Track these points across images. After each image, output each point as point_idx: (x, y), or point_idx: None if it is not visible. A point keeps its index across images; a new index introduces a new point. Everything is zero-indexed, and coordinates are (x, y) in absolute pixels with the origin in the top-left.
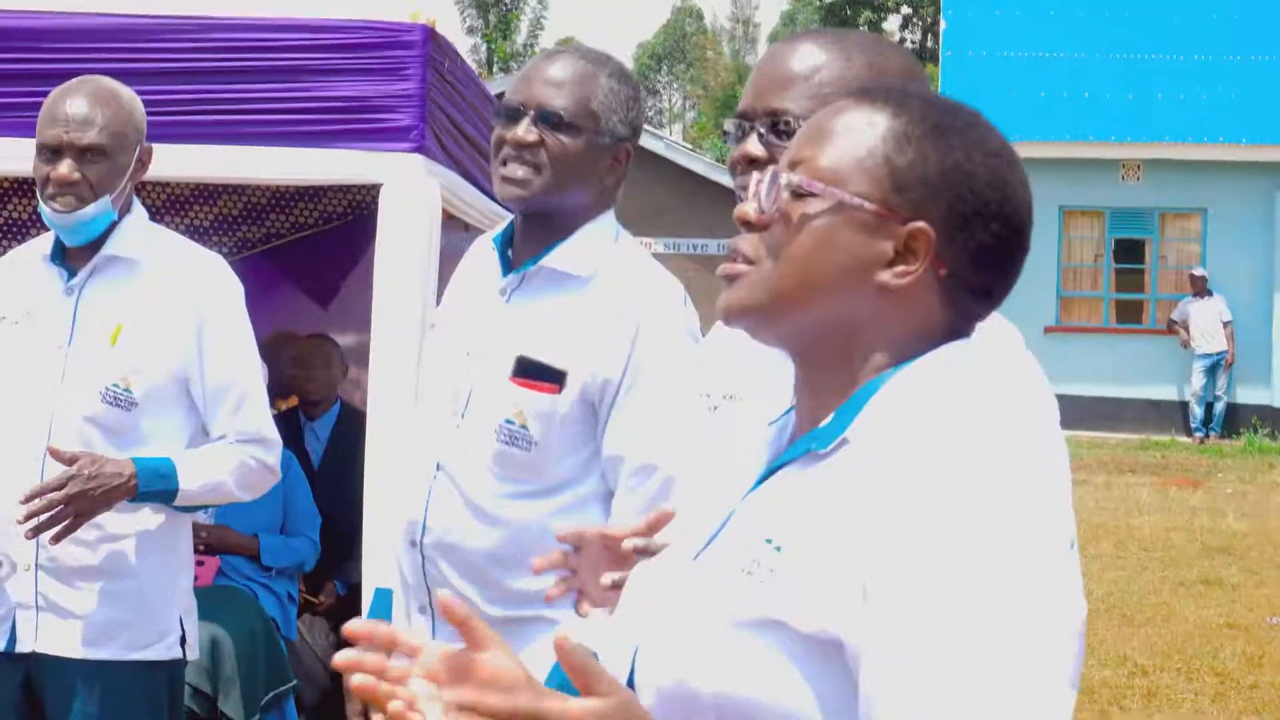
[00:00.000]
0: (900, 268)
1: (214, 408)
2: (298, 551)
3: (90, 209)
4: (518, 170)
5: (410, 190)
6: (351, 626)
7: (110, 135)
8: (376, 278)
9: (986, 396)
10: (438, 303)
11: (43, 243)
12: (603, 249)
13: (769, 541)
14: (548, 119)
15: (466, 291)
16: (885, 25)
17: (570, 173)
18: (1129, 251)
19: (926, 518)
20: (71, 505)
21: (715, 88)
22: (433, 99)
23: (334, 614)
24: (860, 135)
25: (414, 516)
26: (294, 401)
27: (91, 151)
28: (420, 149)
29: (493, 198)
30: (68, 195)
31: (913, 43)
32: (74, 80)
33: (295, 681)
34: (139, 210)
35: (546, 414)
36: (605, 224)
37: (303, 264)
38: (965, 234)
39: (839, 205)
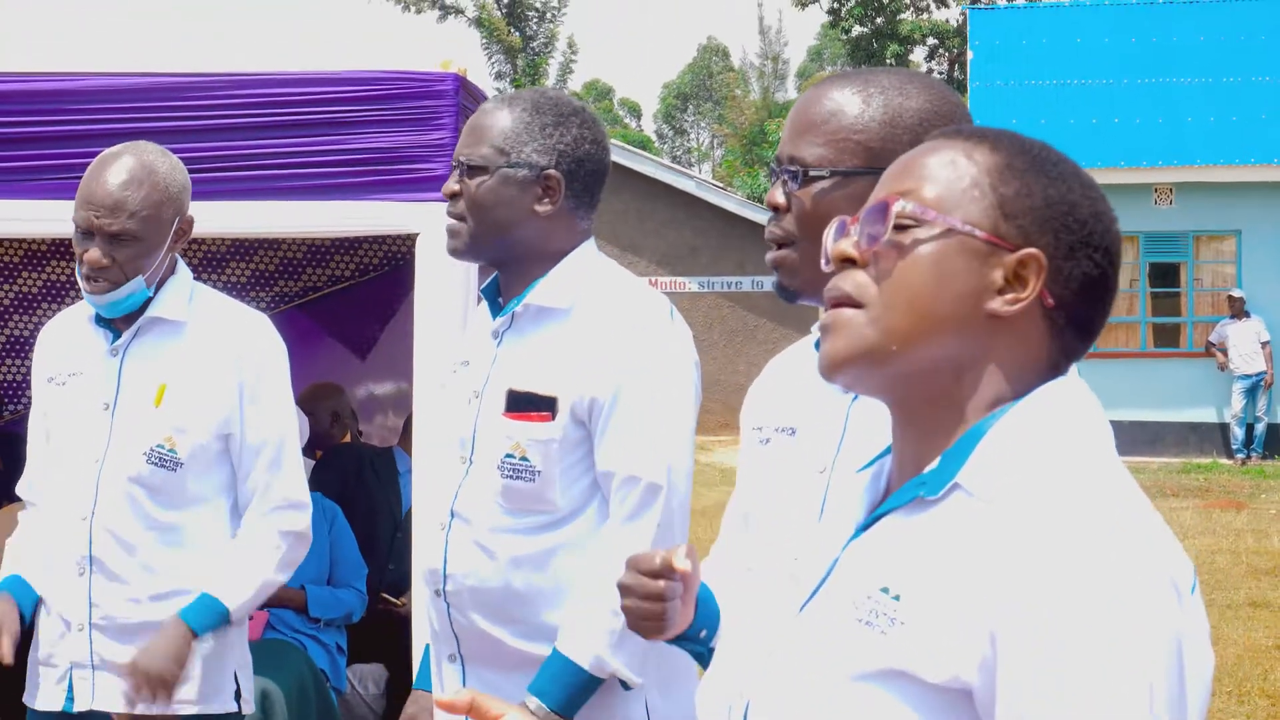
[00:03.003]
0: (1011, 295)
1: (248, 465)
2: (345, 603)
3: (122, 290)
4: (448, 224)
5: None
6: (446, 698)
7: (141, 221)
8: (416, 327)
9: (1097, 440)
10: None
11: (88, 305)
12: (581, 279)
13: (885, 590)
14: (459, 167)
15: (468, 345)
16: (911, 57)
17: (491, 212)
18: (1164, 275)
19: (1059, 567)
20: (159, 690)
21: (743, 125)
22: None
23: (390, 655)
24: (962, 167)
25: (434, 565)
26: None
27: (121, 236)
28: None
29: None
30: (99, 280)
31: (940, 74)
32: (114, 151)
33: None
34: (183, 272)
35: (543, 442)
36: (583, 254)
37: (340, 316)
38: (1071, 264)
39: (949, 232)
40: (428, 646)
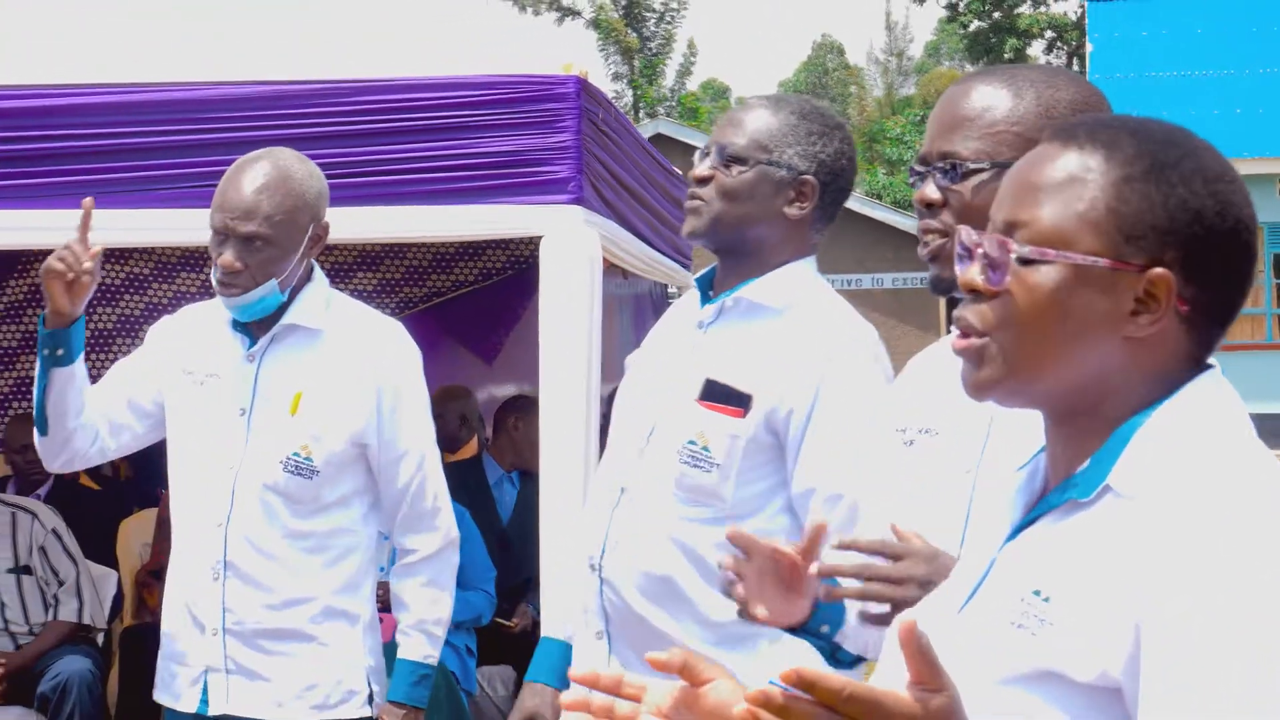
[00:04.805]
0: (1146, 318)
1: (388, 473)
2: (474, 605)
3: (254, 294)
4: (691, 203)
5: (571, 241)
6: (575, 672)
7: (274, 224)
8: (541, 330)
9: (1244, 434)
10: (602, 350)
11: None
12: (798, 287)
13: (1037, 593)
14: (720, 153)
15: (665, 331)
16: (1030, 51)
17: (742, 203)
18: None
19: (1200, 553)
20: None
21: (860, 122)
22: (589, 149)
23: (517, 653)
24: (1077, 188)
25: (595, 540)
26: (473, 449)
27: (254, 239)
28: (579, 200)
29: (652, 244)
30: (231, 283)
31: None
32: (251, 156)
33: None
34: (319, 279)
35: (729, 437)
36: (805, 266)
37: (465, 320)
38: (1202, 267)
39: (1071, 267)
40: (544, 640)
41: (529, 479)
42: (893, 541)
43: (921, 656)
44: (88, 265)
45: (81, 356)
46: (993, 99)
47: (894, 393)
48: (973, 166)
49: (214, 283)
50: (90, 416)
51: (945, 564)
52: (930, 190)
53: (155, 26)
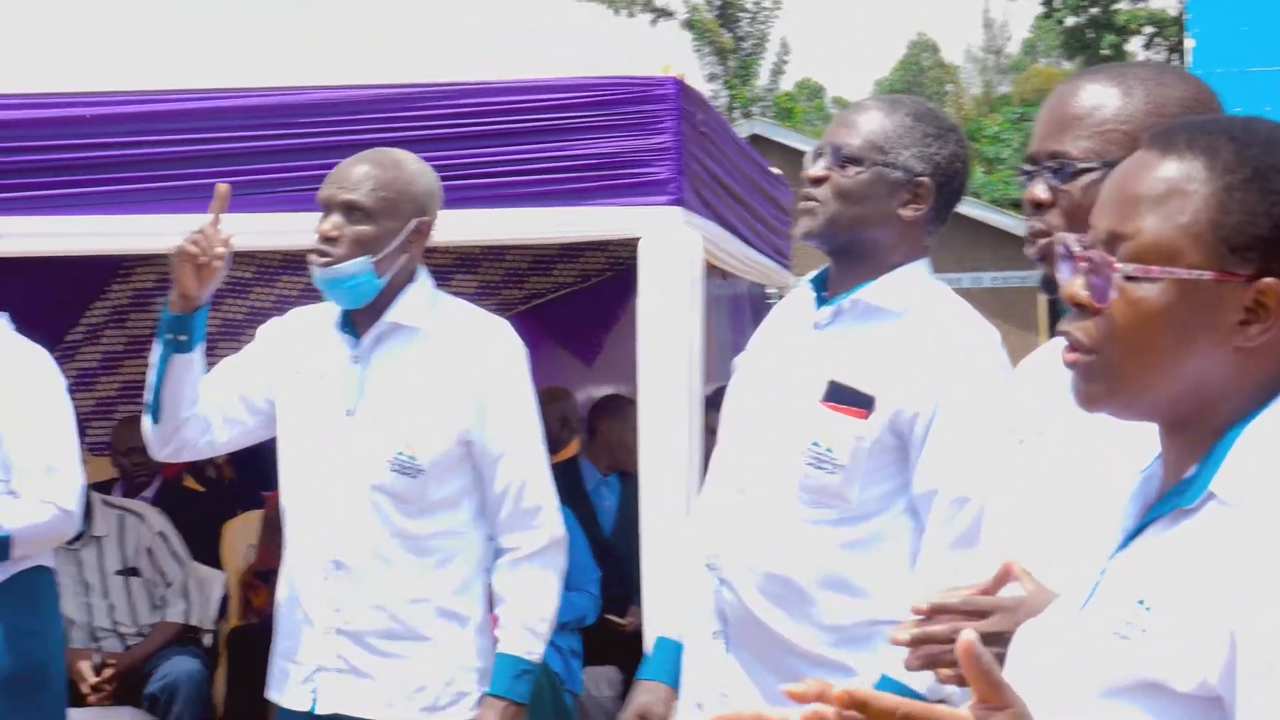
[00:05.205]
0: (1256, 328)
1: (492, 471)
2: (577, 606)
3: (345, 265)
4: (804, 204)
5: (671, 242)
6: (791, 688)
7: (376, 197)
8: (640, 332)
9: None
10: (703, 352)
11: (333, 309)
12: (915, 289)
13: (1140, 603)
14: (835, 154)
15: (775, 331)
16: (1128, 47)
17: (857, 204)
18: None
19: None
20: None
21: (957, 120)
22: (688, 150)
23: (622, 654)
24: (1179, 199)
25: (712, 541)
26: (573, 450)
27: (354, 209)
28: (679, 201)
29: (751, 245)
30: (325, 252)
31: None
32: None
33: None
34: (423, 279)
35: (853, 438)
36: (921, 267)
37: (565, 321)
38: None
39: (1176, 282)
40: (659, 639)
41: (628, 481)
42: (979, 599)
43: (983, 674)
44: (219, 250)
45: (202, 346)
46: (1102, 97)
47: (1007, 395)
48: (1082, 166)
49: (310, 262)
50: (204, 408)
51: (1032, 610)
52: (1039, 190)
53: (158, 27)
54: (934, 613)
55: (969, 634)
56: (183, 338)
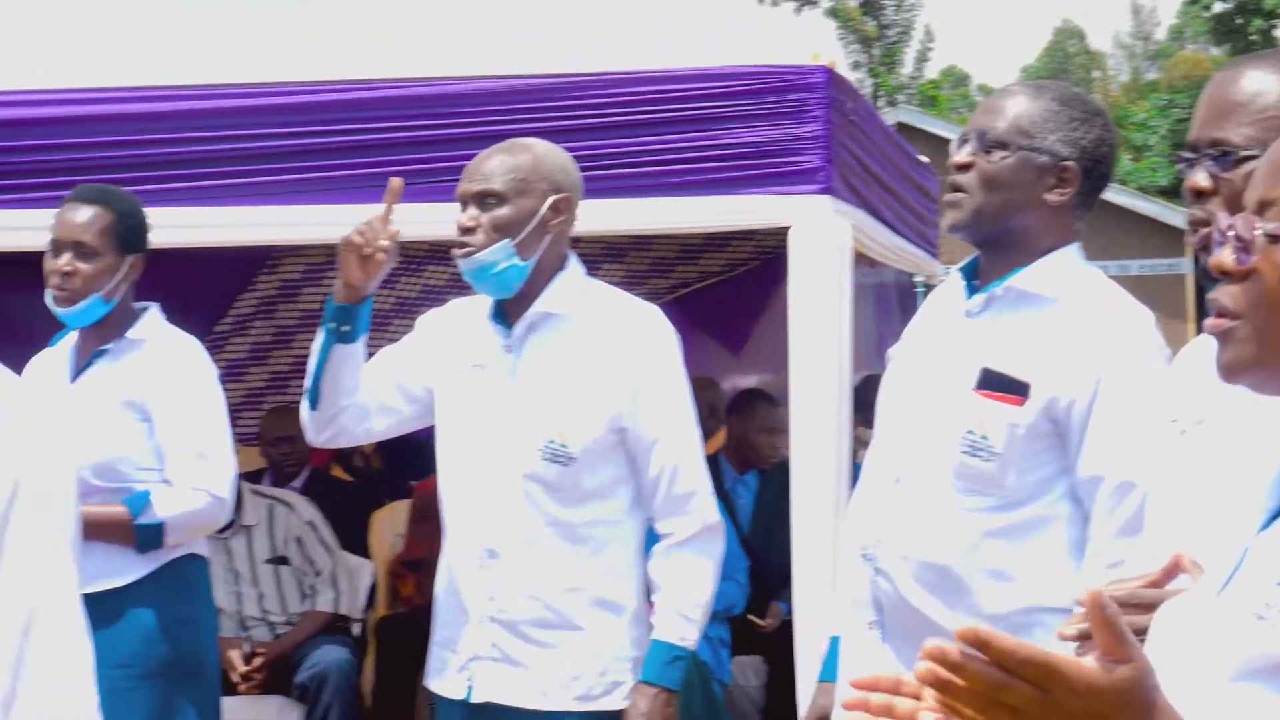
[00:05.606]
0: None
1: (646, 458)
2: (726, 595)
3: (485, 253)
4: (951, 196)
5: (820, 231)
6: (855, 677)
7: (507, 181)
8: (791, 321)
9: None
10: (853, 341)
11: (488, 299)
12: (1068, 274)
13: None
14: (980, 139)
15: (928, 321)
16: (1277, 32)
17: (1003, 190)
18: None
19: None
20: None
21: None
22: (837, 139)
23: (768, 644)
24: None
25: (868, 530)
26: (720, 440)
27: (488, 197)
28: (828, 190)
29: (900, 233)
30: (465, 241)
31: None
32: None
33: None
34: (573, 266)
35: (1009, 426)
36: (1072, 252)
37: (712, 310)
38: None
39: None
40: (833, 639)
41: (765, 479)
42: (1146, 593)
43: (1107, 626)
44: (384, 243)
45: (365, 337)
46: (1263, 84)
47: (1167, 383)
48: (1244, 154)
49: (453, 256)
50: (362, 396)
51: None
52: (1200, 178)
53: (312, 20)
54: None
55: (1096, 583)
56: (346, 328)
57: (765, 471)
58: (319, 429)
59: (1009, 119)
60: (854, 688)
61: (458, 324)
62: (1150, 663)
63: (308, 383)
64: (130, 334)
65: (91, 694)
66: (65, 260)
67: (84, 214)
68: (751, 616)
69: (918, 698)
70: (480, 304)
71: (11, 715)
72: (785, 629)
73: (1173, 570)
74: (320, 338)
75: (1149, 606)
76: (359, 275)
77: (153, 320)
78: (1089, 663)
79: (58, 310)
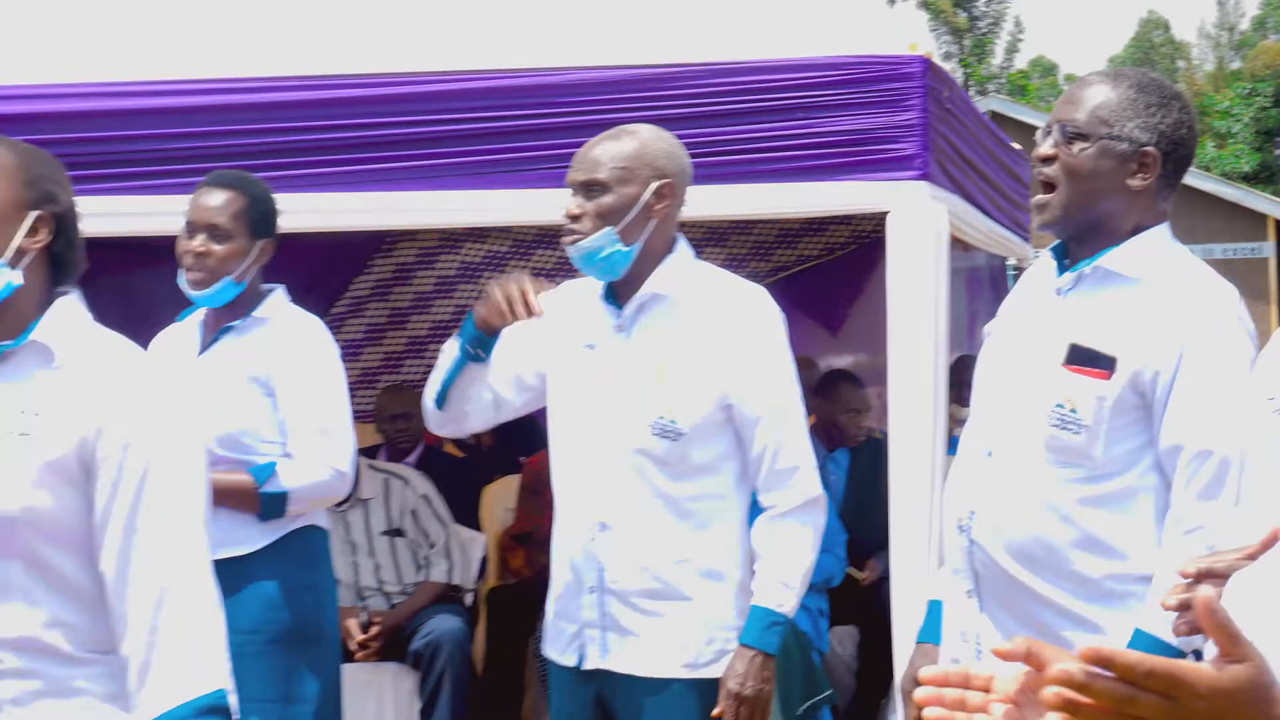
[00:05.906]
0: None
1: (751, 434)
2: (824, 568)
3: (590, 240)
4: (1037, 194)
5: (917, 217)
6: (925, 674)
7: (610, 169)
8: (890, 303)
9: None
10: (948, 322)
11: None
12: (1155, 254)
13: None
14: (1061, 131)
15: (1021, 299)
16: None
17: (1086, 180)
18: None
19: None
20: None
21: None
22: (934, 127)
23: (862, 613)
24: None
25: (963, 502)
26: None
27: (592, 185)
28: (925, 176)
29: (993, 218)
30: (571, 230)
31: None
32: None
33: (830, 691)
34: (683, 248)
35: (1096, 399)
36: (1160, 233)
37: (810, 293)
38: None
39: None
40: (931, 603)
41: (856, 455)
42: (1244, 565)
43: (1221, 629)
44: (523, 318)
45: (494, 353)
46: None
47: (1264, 361)
48: None
49: (562, 243)
50: (484, 393)
51: None
52: None
53: (419, 11)
54: (1201, 577)
55: (1206, 589)
56: (479, 353)
57: (855, 448)
58: (441, 426)
59: (1088, 110)
60: (924, 683)
61: (570, 305)
62: (1265, 658)
63: (436, 386)
64: (256, 312)
65: (223, 661)
66: (199, 241)
67: (218, 198)
68: (850, 570)
69: (986, 690)
70: (593, 285)
71: (147, 686)
72: (881, 597)
73: (1270, 542)
74: (455, 352)
75: None
76: (499, 321)
77: (278, 300)
78: (1207, 667)
79: (191, 292)
